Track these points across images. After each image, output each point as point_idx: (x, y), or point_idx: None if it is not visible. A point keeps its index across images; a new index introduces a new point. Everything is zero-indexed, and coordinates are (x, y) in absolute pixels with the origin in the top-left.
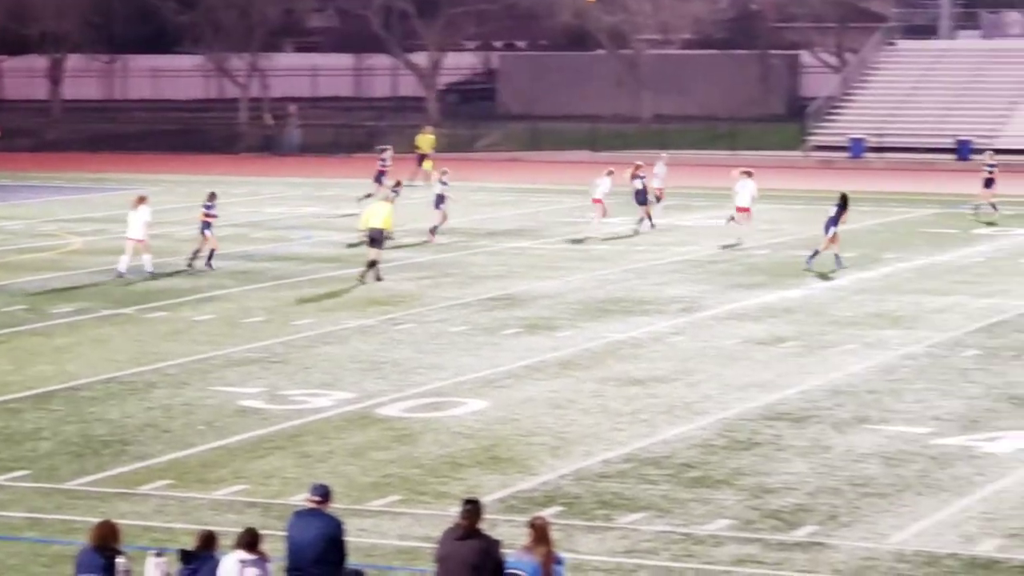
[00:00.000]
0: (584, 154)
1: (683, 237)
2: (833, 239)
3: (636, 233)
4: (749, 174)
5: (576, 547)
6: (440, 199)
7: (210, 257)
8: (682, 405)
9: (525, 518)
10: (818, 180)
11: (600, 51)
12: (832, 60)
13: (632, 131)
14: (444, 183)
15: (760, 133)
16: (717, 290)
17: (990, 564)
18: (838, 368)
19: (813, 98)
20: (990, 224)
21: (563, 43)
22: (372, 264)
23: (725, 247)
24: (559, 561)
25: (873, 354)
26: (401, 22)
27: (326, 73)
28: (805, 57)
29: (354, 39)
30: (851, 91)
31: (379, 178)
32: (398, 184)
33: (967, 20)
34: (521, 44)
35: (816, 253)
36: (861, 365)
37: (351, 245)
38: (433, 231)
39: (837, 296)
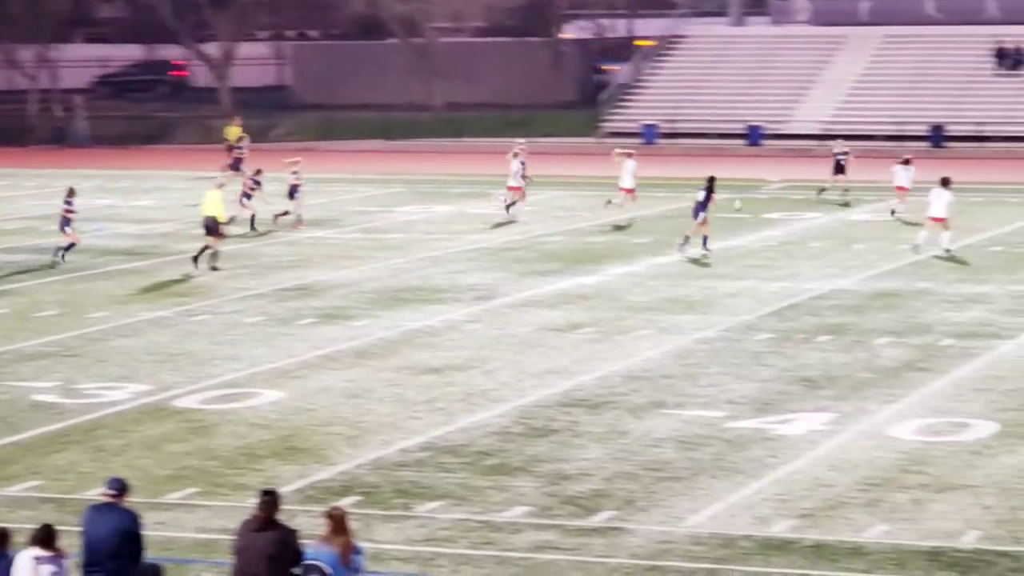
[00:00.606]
0: (377, 143)
1: (477, 225)
2: (703, 224)
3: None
4: (629, 155)
5: (374, 536)
6: (293, 189)
7: (67, 249)
8: (478, 393)
9: (323, 508)
10: (613, 167)
11: (393, 40)
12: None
13: (425, 119)
14: (296, 173)
15: (554, 120)
16: (512, 277)
17: (783, 545)
18: (634, 354)
19: (606, 84)
20: (844, 205)
21: (356, 32)
22: (204, 250)
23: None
24: (357, 551)
25: (668, 339)
26: (192, 12)
27: (117, 64)
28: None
29: (145, 29)
30: (643, 78)
31: (236, 166)
32: (259, 172)
33: (756, 6)
34: (314, 34)
35: (687, 239)
36: (656, 350)
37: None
38: (290, 220)
39: (633, 282)
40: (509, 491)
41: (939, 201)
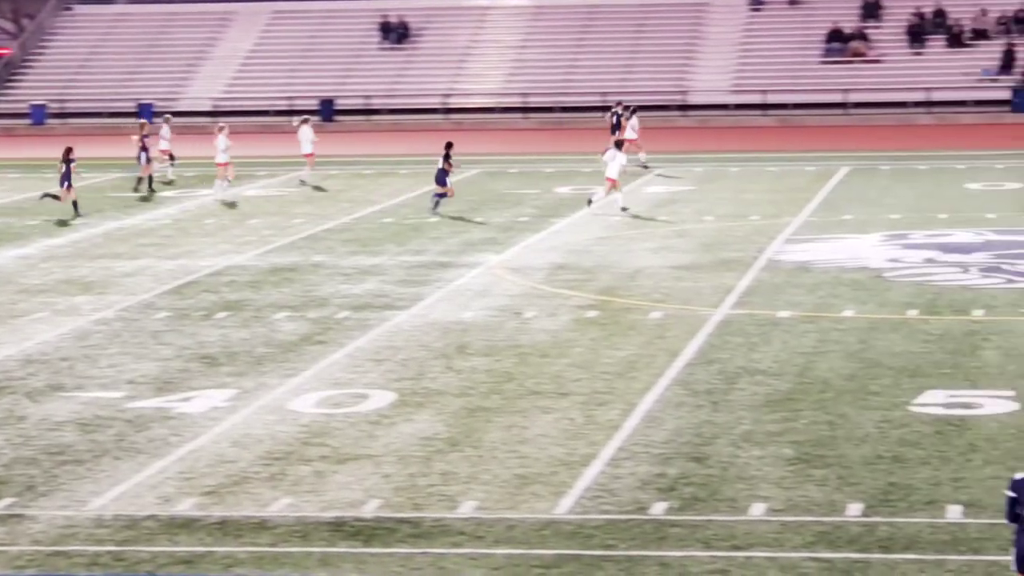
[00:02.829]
0: None
1: None
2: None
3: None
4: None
5: None
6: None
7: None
8: None
9: None
10: (2, 148)
11: None
12: (9, 27)
13: None
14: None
15: None
16: None
17: (188, 523)
18: (30, 337)
19: None
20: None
21: None
22: None
23: None
24: None
25: (65, 321)
26: None
27: None
28: None
29: None
30: (29, 57)
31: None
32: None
33: None
34: None
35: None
36: (53, 333)
37: None
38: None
39: (26, 264)
40: None
41: (613, 163)
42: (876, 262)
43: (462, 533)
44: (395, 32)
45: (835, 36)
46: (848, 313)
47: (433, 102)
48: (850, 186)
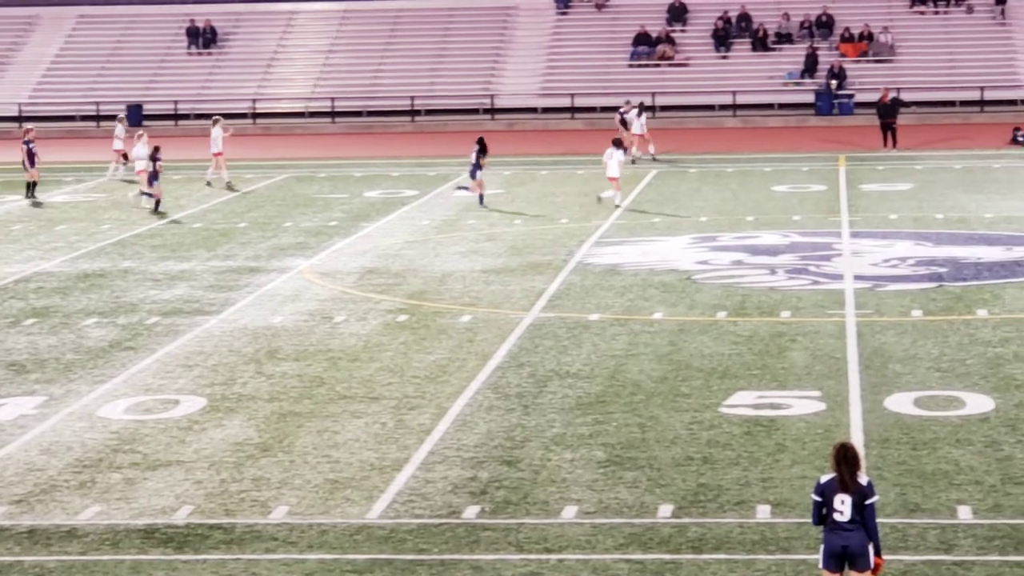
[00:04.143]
0: None
1: None
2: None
3: None
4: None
5: None
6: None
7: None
8: None
9: None
10: None
11: None
12: None
13: None
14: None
15: None
16: None
17: None
18: None
19: None
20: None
21: None
22: None
23: None
24: None
25: None
26: None
27: None
28: None
29: None
30: None
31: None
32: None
33: None
34: None
35: (480, 199)
36: None
37: None
38: None
39: None
40: None
41: (612, 161)
42: (685, 264)
43: (274, 539)
44: (202, 37)
45: (642, 39)
46: (658, 315)
47: (241, 107)
48: (659, 189)
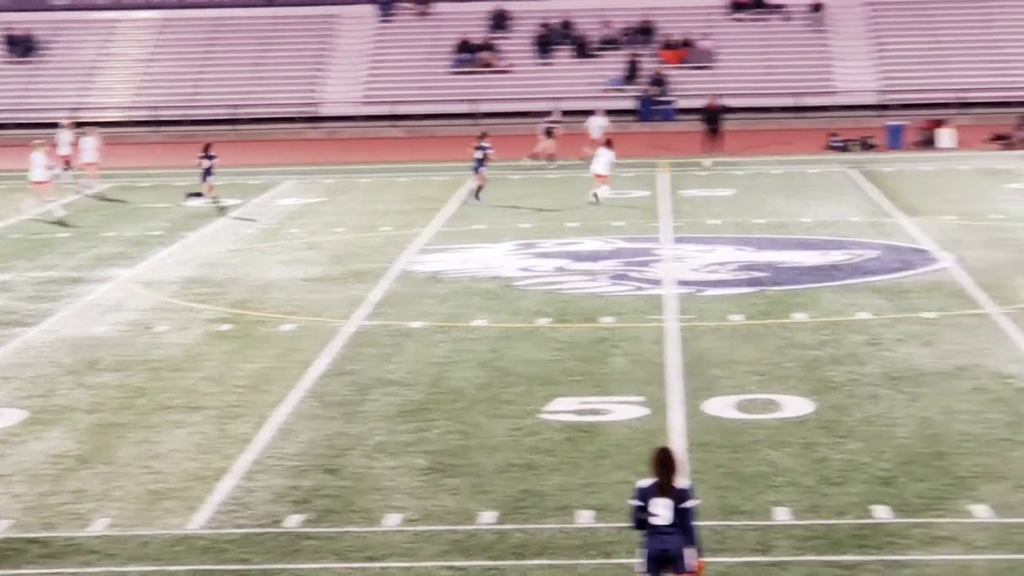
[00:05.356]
0: None
1: None
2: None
3: None
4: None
5: None
6: None
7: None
8: None
9: None
10: None
11: None
12: None
13: None
14: None
15: None
16: None
17: None
18: None
19: None
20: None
21: None
22: None
23: None
24: None
25: None
26: None
27: None
28: None
29: None
30: None
31: None
32: None
33: None
34: None
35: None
36: None
37: None
38: None
39: None
40: None
41: (601, 160)
42: (507, 271)
43: (94, 552)
44: (21, 45)
45: (464, 47)
46: (480, 322)
47: (61, 116)
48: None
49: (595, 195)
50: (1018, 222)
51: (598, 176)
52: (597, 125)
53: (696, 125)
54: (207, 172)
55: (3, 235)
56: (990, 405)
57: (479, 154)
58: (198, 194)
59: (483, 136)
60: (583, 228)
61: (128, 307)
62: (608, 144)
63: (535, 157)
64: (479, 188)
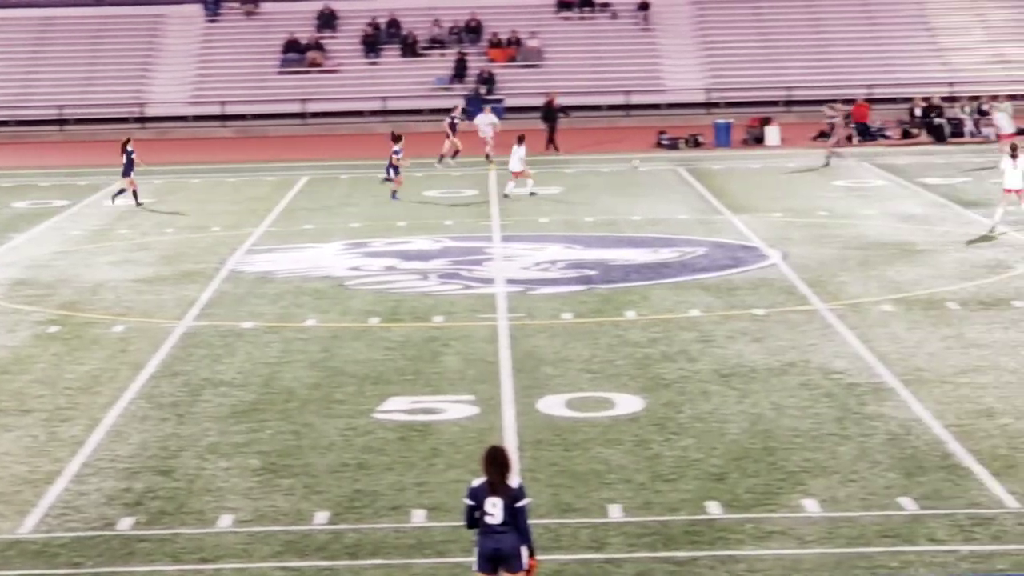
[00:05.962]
0: None
1: None
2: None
3: None
4: None
5: None
6: None
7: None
8: None
9: None
10: None
11: None
12: None
13: None
14: None
15: None
16: None
17: None
18: None
19: None
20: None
21: None
22: None
23: None
24: None
25: None
26: None
27: None
28: None
29: None
30: None
31: None
32: None
33: None
34: None
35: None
36: None
37: None
38: None
39: None
40: None
41: (513, 157)
42: (338, 271)
43: None
44: None
45: (292, 47)
46: (311, 322)
47: None
48: (310, 195)
49: (506, 193)
50: (843, 219)
51: (515, 173)
52: (487, 122)
53: (525, 124)
54: (129, 166)
55: None
56: (818, 400)
57: (395, 158)
58: (122, 191)
59: (397, 139)
60: (412, 227)
61: None
62: (520, 140)
63: (445, 157)
64: (394, 191)
